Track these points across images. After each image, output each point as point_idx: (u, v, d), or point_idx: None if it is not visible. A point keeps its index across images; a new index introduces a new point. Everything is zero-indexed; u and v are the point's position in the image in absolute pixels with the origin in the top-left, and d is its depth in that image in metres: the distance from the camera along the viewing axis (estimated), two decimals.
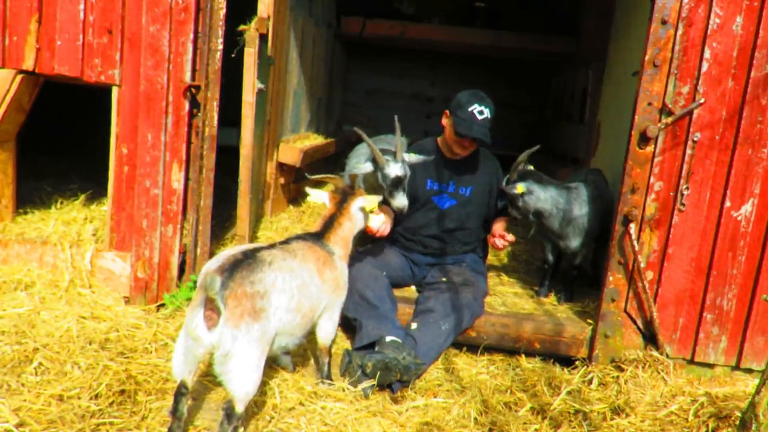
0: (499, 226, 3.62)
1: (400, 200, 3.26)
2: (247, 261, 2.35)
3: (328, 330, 2.89)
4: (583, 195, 3.62)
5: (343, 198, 2.99)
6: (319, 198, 3.00)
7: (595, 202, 3.62)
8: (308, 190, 3.04)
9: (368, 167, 3.35)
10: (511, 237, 3.47)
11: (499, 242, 3.49)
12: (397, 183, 3.24)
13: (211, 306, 2.19)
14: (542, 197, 3.47)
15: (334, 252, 2.85)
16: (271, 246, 2.59)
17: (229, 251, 2.45)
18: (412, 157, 3.37)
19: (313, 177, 3.19)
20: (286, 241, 2.73)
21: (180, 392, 2.32)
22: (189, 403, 2.39)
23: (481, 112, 3.30)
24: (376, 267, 3.44)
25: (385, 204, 3.34)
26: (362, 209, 3.00)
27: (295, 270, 2.53)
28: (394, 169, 3.22)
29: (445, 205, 3.58)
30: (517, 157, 3.47)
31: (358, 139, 3.46)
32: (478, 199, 3.60)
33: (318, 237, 2.85)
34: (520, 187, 3.38)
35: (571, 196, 3.58)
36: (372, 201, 3.01)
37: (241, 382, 2.24)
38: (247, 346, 2.24)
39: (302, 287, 2.54)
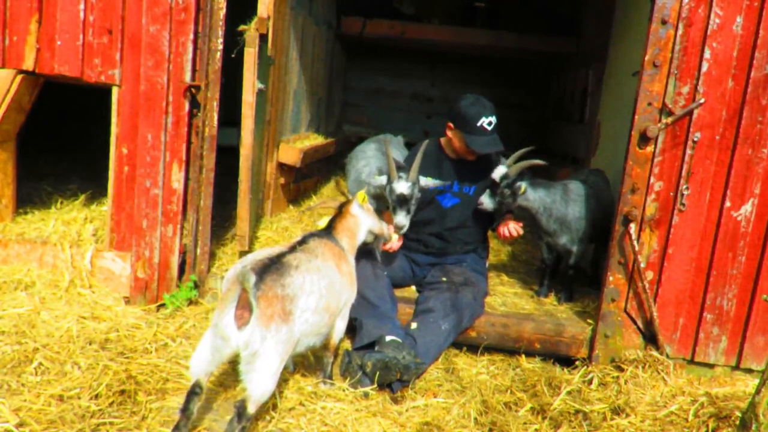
0: (510, 221, 3.65)
1: (400, 219, 3.29)
2: (275, 265, 2.39)
3: (340, 328, 2.92)
4: (576, 194, 3.64)
5: (341, 206, 3.08)
6: (325, 222, 3.14)
7: (588, 201, 3.63)
8: (318, 222, 3.14)
9: (383, 180, 3.39)
10: (519, 230, 3.54)
11: (511, 229, 3.53)
12: (401, 201, 3.26)
13: (242, 304, 2.23)
14: (530, 197, 3.55)
15: (344, 247, 2.92)
16: (292, 248, 2.62)
17: (252, 256, 2.49)
18: (429, 182, 3.39)
19: (308, 209, 3.30)
20: (303, 240, 2.75)
21: (194, 392, 2.34)
22: (199, 404, 2.40)
23: (489, 123, 3.33)
24: (377, 266, 3.45)
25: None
26: (360, 206, 3.06)
27: (321, 270, 2.58)
28: (400, 187, 3.25)
29: (447, 204, 3.58)
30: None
31: (359, 139, 3.48)
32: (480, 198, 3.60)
33: (327, 232, 2.93)
34: (523, 187, 3.46)
35: (563, 194, 3.60)
36: (361, 193, 3.07)
37: (260, 383, 2.27)
38: (274, 348, 2.27)
39: (330, 286, 2.60)
